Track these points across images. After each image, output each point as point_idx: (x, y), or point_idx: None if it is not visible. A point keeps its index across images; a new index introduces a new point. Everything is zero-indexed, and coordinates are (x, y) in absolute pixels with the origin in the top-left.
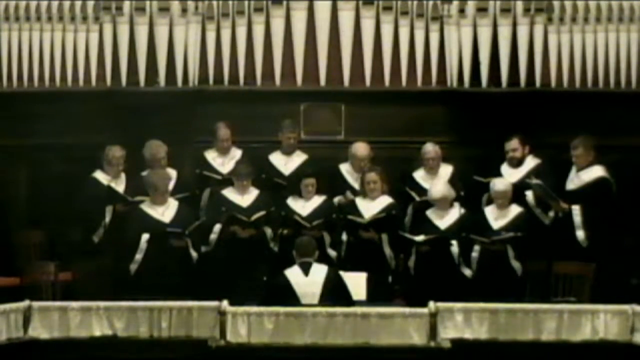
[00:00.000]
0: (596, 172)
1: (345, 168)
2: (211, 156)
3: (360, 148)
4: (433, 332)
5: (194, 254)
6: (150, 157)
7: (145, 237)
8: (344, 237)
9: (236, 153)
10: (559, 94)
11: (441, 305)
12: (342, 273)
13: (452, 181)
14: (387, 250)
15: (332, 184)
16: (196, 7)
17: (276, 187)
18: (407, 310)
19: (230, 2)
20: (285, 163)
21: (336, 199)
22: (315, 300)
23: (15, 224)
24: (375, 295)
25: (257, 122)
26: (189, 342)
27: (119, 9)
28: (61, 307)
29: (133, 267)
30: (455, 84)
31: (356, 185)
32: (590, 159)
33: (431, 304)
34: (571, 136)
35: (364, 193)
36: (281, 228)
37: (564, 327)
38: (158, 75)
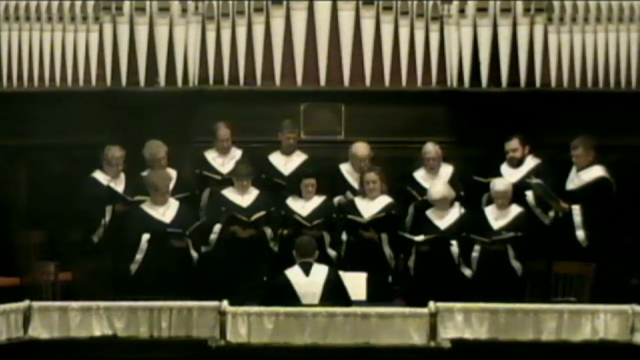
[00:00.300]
0: (596, 172)
1: (345, 168)
2: (211, 156)
3: (361, 148)
4: (433, 332)
5: (194, 254)
6: (150, 157)
7: (145, 237)
8: (344, 237)
9: (236, 153)
10: (559, 94)
11: (441, 305)
12: (342, 273)
13: (452, 181)
14: (387, 250)
15: (332, 184)
16: (196, 7)
17: (276, 187)
18: (407, 310)
19: (230, 2)
20: (285, 163)
21: (336, 199)
22: (316, 301)
23: (15, 224)
24: (375, 295)
25: (257, 122)
26: (189, 342)
27: (119, 9)
28: (61, 307)
29: (133, 267)
30: (455, 84)
31: (356, 185)
32: (590, 159)
33: (431, 304)
34: (571, 136)
35: (363, 193)
36: (281, 228)
37: (564, 327)
38: (158, 75)
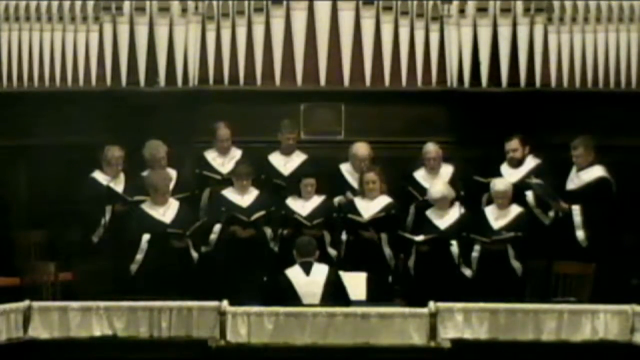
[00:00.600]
0: (596, 172)
1: (345, 168)
2: (211, 156)
3: (361, 148)
4: (433, 332)
5: (194, 254)
6: (150, 157)
7: (145, 237)
8: (344, 237)
9: (236, 153)
10: (559, 94)
11: (441, 305)
12: (342, 273)
13: (452, 181)
14: (387, 250)
15: (332, 184)
16: (196, 7)
17: (276, 188)
18: (407, 310)
19: (230, 2)
20: (285, 163)
21: (336, 199)
22: (317, 300)
23: (15, 224)
24: (375, 295)
25: (257, 122)
26: (189, 342)
27: (119, 9)
28: (61, 307)
29: (133, 267)
30: (455, 84)
31: (356, 186)
32: (590, 159)
33: (431, 304)
34: (571, 136)
35: (363, 193)
36: (281, 228)
37: (564, 327)
38: (158, 75)
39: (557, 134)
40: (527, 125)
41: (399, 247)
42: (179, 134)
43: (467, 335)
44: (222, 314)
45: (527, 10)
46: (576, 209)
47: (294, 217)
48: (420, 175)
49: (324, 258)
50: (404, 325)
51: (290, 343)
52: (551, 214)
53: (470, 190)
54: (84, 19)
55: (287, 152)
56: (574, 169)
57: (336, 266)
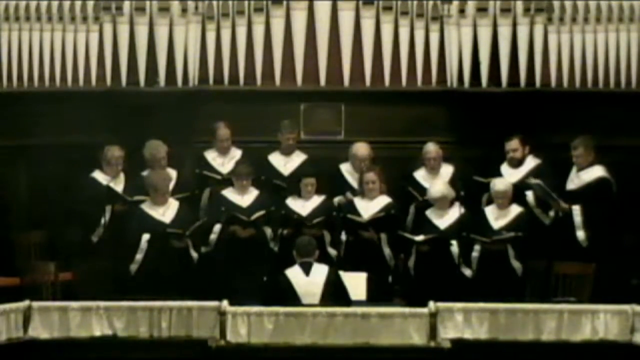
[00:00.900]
0: (596, 172)
1: (345, 168)
2: (211, 156)
3: (361, 148)
4: (433, 332)
5: (194, 254)
6: (150, 157)
7: (145, 237)
8: (343, 237)
9: (236, 153)
10: (559, 94)
11: (441, 305)
12: (342, 273)
13: (453, 181)
14: (387, 250)
15: (332, 184)
16: (196, 7)
17: (276, 188)
18: (407, 310)
19: (230, 2)
20: (285, 163)
21: (336, 199)
22: (316, 300)
23: (15, 224)
24: (375, 295)
25: (257, 122)
26: (189, 342)
27: (119, 9)
28: (61, 307)
29: (133, 267)
30: (455, 84)
31: (357, 186)
32: (590, 159)
33: (431, 304)
34: (571, 136)
35: (362, 193)
36: (281, 228)
37: (564, 327)
38: (158, 75)
39: (557, 134)
40: (527, 125)
41: (399, 247)
42: (179, 134)
43: (467, 335)
44: (222, 314)
45: (527, 10)
46: (576, 209)
47: (294, 217)
48: (420, 175)
49: (324, 258)
50: (404, 325)
51: (290, 343)
52: (551, 213)
53: (470, 190)
54: (84, 19)
55: (287, 152)
56: (574, 169)
57: (336, 266)
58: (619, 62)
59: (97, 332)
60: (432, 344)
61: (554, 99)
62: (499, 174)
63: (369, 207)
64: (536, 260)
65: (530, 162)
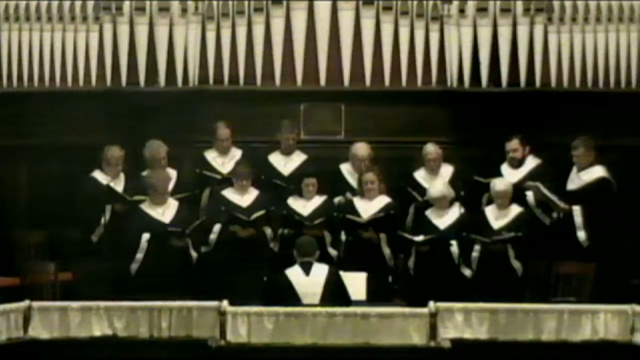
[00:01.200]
0: (597, 172)
1: (345, 168)
2: (211, 156)
3: (361, 148)
4: (433, 332)
5: (193, 254)
6: (150, 157)
7: (145, 236)
8: (343, 237)
9: (236, 153)
10: (559, 94)
11: (441, 305)
12: (342, 273)
13: (453, 181)
14: (386, 250)
15: (332, 184)
16: (196, 7)
17: (276, 188)
18: (407, 310)
19: (230, 2)
20: (285, 163)
21: (336, 199)
22: (316, 300)
23: (15, 224)
24: (375, 295)
25: (257, 122)
26: (189, 342)
27: (119, 9)
28: (61, 307)
29: (134, 266)
30: (455, 84)
31: (357, 186)
32: (590, 159)
33: (431, 304)
34: (571, 136)
35: (362, 193)
36: (282, 228)
37: (564, 327)
38: (158, 75)
39: (557, 134)
40: (527, 125)
41: (399, 247)
42: (179, 134)
43: (467, 335)
44: (222, 314)
45: (527, 10)
46: (577, 210)
47: (294, 216)
48: (420, 175)
49: (324, 258)
50: (404, 325)
51: (290, 343)
52: (554, 214)
53: (470, 190)
54: (84, 19)
55: (287, 152)
56: (574, 169)
57: (336, 266)
58: (619, 62)
59: (97, 332)
60: (432, 344)
61: (554, 99)
62: (499, 174)
63: (368, 207)
64: (536, 260)
65: (531, 162)
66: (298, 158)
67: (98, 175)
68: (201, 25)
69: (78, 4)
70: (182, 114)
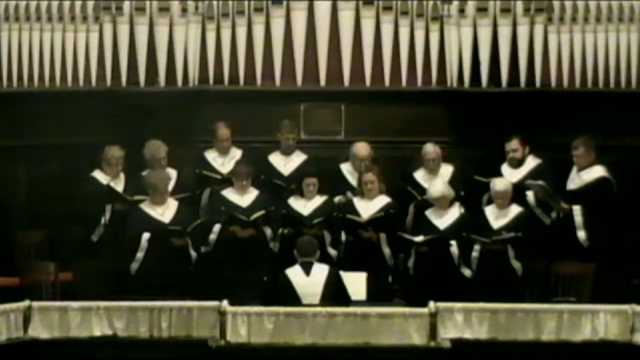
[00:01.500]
0: (597, 172)
1: (346, 168)
2: (211, 156)
3: (361, 148)
4: (433, 332)
5: (193, 254)
6: (150, 157)
7: (146, 236)
8: (343, 237)
9: (236, 153)
10: (559, 94)
11: (441, 305)
12: (342, 273)
13: (453, 181)
14: (386, 250)
15: (332, 184)
16: (196, 7)
17: (276, 188)
18: (407, 310)
19: (230, 2)
20: (285, 163)
21: (336, 199)
22: (317, 300)
23: (15, 224)
24: (375, 295)
25: (257, 122)
26: (189, 342)
27: (119, 9)
28: (61, 307)
29: (134, 266)
30: (455, 84)
31: (357, 186)
32: (591, 159)
33: (431, 304)
34: (571, 136)
35: (362, 193)
36: (282, 228)
37: (564, 327)
38: (158, 75)
39: (557, 134)
40: (527, 125)
41: (399, 247)
42: (179, 134)
43: (467, 335)
44: (222, 314)
45: (527, 10)
46: (577, 209)
47: (294, 216)
48: (420, 175)
49: (324, 258)
50: (404, 325)
51: (290, 343)
52: (553, 214)
53: (470, 190)
54: (84, 19)
55: (287, 152)
56: (574, 169)
57: (336, 266)
58: (619, 62)
59: (97, 332)
60: (432, 344)
61: (554, 99)
62: (499, 174)
63: (368, 207)
64: (536, 260)
65: (531, 162)
66: (298, 158)
67: (98, 175)
68: (201, 25)
69: (78, 4)
70: (182, 114)
